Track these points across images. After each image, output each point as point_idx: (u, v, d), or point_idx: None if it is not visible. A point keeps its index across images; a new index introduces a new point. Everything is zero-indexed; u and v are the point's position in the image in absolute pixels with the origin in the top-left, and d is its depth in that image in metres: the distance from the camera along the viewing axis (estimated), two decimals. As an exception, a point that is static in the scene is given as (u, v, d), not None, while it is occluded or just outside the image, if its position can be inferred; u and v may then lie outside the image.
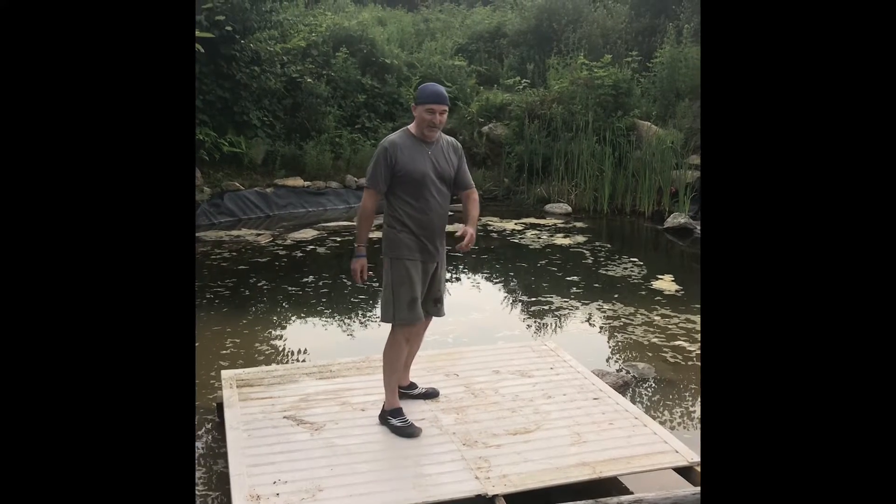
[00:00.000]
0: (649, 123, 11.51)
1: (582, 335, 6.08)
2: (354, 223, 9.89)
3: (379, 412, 3.87)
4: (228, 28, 10.07)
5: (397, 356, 3.80)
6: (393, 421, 3.76)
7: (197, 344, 5.21)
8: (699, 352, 5.52)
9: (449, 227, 3.92)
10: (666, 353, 5.54)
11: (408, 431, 3.71)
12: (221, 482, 3.70)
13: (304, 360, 5.39)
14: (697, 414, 4.66)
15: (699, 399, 4.85)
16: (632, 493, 3.57)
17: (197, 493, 3.62)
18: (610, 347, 5.79)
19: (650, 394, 4.92)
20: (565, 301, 6.84)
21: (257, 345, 5.71)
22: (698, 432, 4.39)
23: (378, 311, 4.19)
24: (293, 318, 6.45)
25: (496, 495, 3.23)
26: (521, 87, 12.96)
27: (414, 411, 3.92)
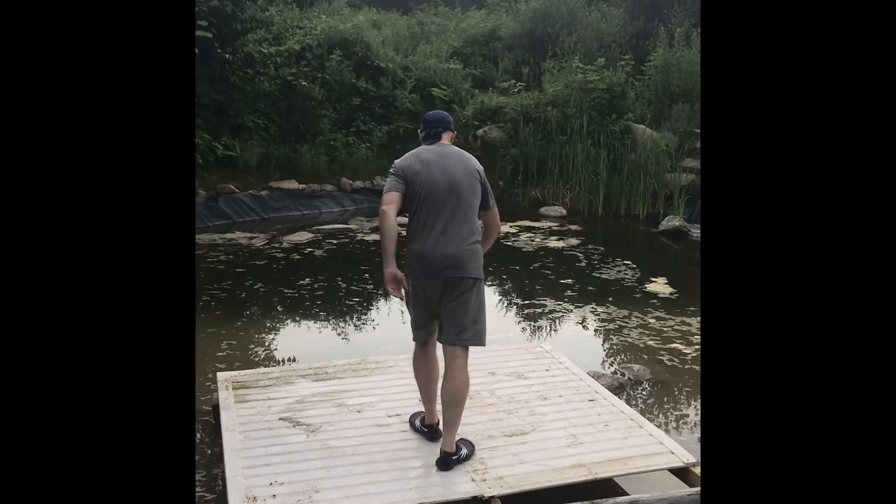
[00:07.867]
0: (644, 126, 11.56)
1: (576, 338, 6.09)
2: (350, 226, 9.98)
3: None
4: (209, 35, 9.98)
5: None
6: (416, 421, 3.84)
7: (192, 346, 5.20)
8: (695, 354, 5.54)
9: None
10: (662, 355, 5.55)
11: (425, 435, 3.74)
12: (218, 484, 3.70)
13: (299, 362, 5.39)
14: (693, 416, 4.68)
15: (695, 401, 4.87)
16: (628, 494, 3.59)
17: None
18: (605, 350, 5.81)
19: (645, 396, 4.93)
20: (559, 304, 6.85)
21: (253, 347, 5.70)
22: (694, 434, 4.41)
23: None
24: (288, 320, 6.44)
25: (492, 497, 3.23)
26: (516, 90, 12.99)
27: (412, 412, 3.93)
